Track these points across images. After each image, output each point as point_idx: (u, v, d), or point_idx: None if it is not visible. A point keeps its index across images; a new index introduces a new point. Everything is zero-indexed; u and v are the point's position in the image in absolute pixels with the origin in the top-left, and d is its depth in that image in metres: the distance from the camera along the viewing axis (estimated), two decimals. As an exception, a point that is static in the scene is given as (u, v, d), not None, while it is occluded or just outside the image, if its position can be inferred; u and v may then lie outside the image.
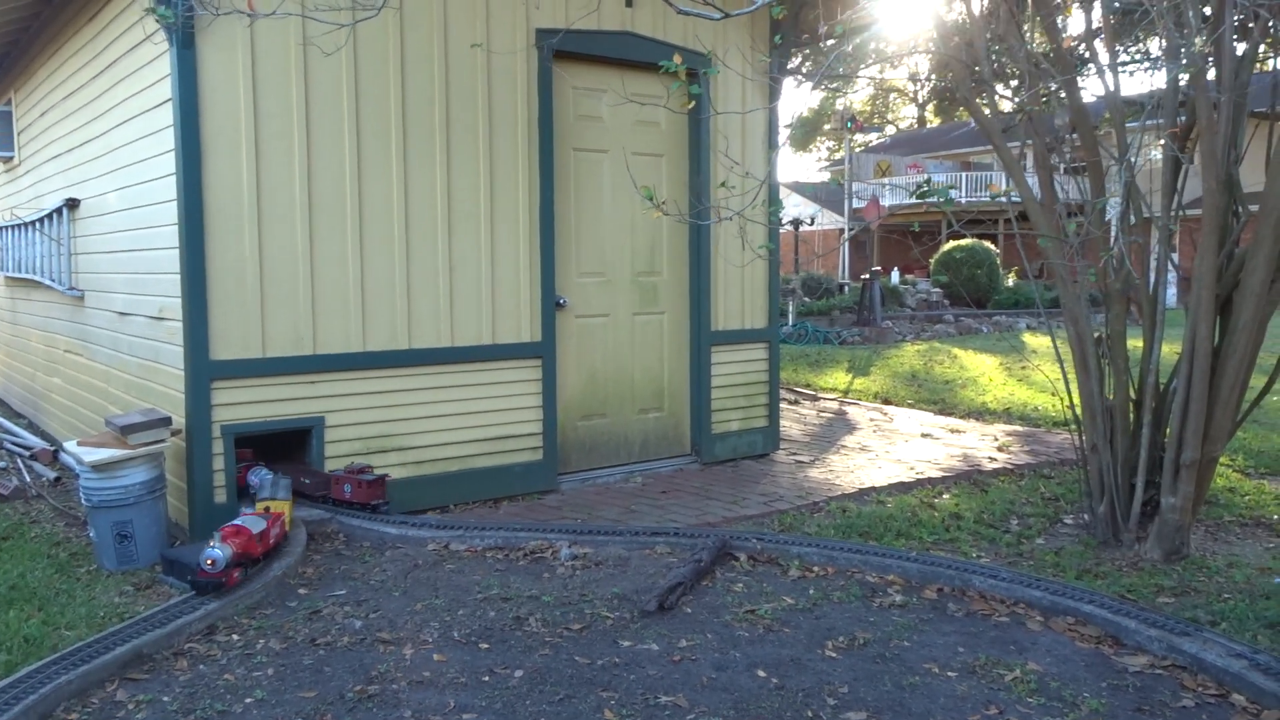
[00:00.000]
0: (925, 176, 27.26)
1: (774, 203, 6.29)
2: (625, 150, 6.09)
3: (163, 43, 4.70)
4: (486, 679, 3.04)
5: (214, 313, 4.70)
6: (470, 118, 5.38)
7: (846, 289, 17.85)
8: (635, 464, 6.22)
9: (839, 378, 10.81)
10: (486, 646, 3.29)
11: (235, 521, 3.92)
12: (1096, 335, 4.79)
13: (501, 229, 5.53)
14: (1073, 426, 5.12)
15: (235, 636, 3.39)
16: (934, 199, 4.12)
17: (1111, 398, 4.78)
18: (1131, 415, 4.79)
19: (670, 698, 2.91)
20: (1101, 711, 2.87)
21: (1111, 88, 4.64)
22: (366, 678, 3.04)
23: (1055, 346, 5.19)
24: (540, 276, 5.67)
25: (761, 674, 3.09)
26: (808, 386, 10.18)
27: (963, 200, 25.10)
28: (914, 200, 25.97)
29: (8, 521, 5.36)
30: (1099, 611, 3.52)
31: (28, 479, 6.34)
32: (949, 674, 3.11)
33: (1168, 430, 4.61)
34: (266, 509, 4.22)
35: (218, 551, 3.64)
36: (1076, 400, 4.98)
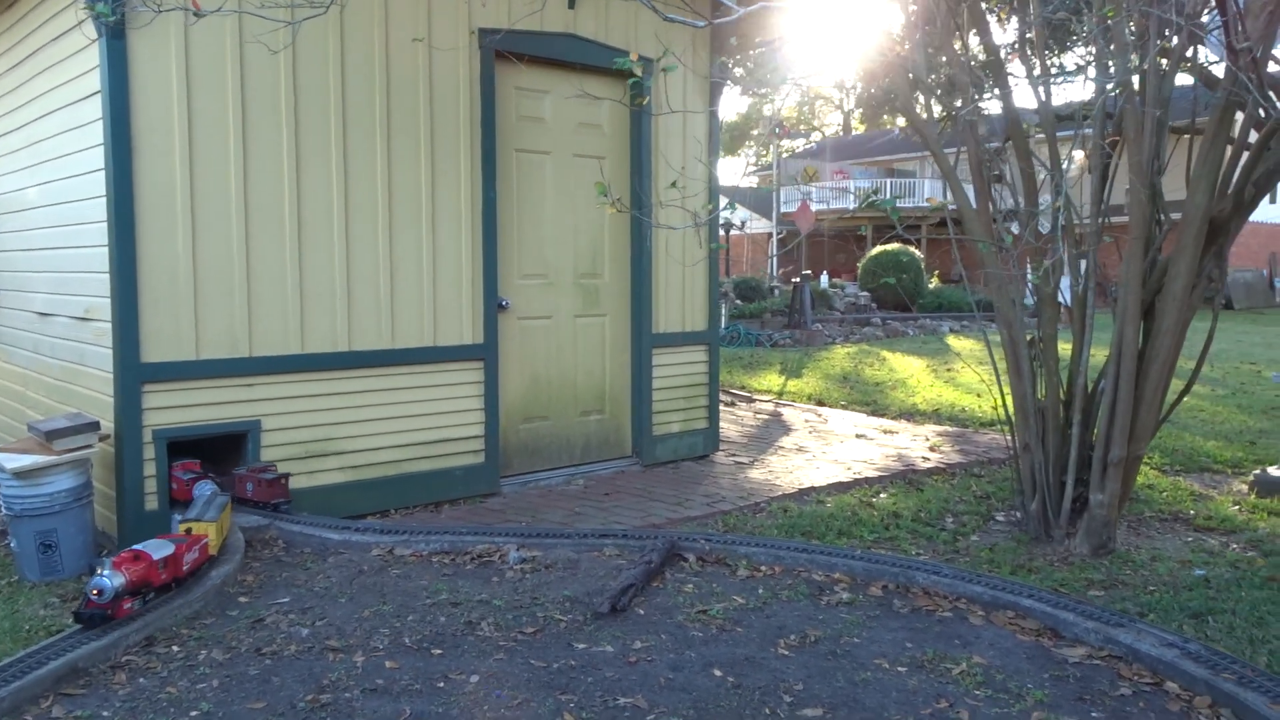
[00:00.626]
0: (849, 182, 27.77)
1: (715, 204, 6.35)
2: (568, 152, 6.08)
3: (91, 33, 4.53)
4: (441, 685, 3.00)
5: (145, 313, 4.55)
6: (412, 117, 5.31)
7: (777, 292, 18.08)
8: (577, 466, 6.20)
9: (773, 380, 10.95)
10: (439, 652, 3.25)
11: (136, 546, 3.59)
12: (1029, 338, 4.95)
13: (443, 230, 5.47)
14: (1004, 426, 5.27)
15: (175, 648, 3.28)
16: (884, 205, 4.20)
17: (1043, 398, 4.94)
18: (1062, 415, 4.96)
19: (629, 699, 2.91)
20: (1046, 701, 2.97)
21: (1043, 99, 4.81)
22: (318, 687, 2.97)
23: (990, 350, 5.34)
24: (483, 278, 5.62)
25: (718, 673, 3.11)
26: (743, 388, 10.28)
27: (885, 206, 25.58)
28: (840, 206, 26.42)
29: (-83, 532, 5.09)
30: (1038, 605, 3.64)
31: (-63, 487, 6.03)
32: (899, 669, 3.18)
33: (1095, 430, 4.79)
34: (188, 530, 3.94)
35: (106, 580, 3.32)
36: (1009, 401, 5.13)
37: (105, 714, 2.80)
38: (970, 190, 5.02)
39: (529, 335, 5.97)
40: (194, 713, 2.81)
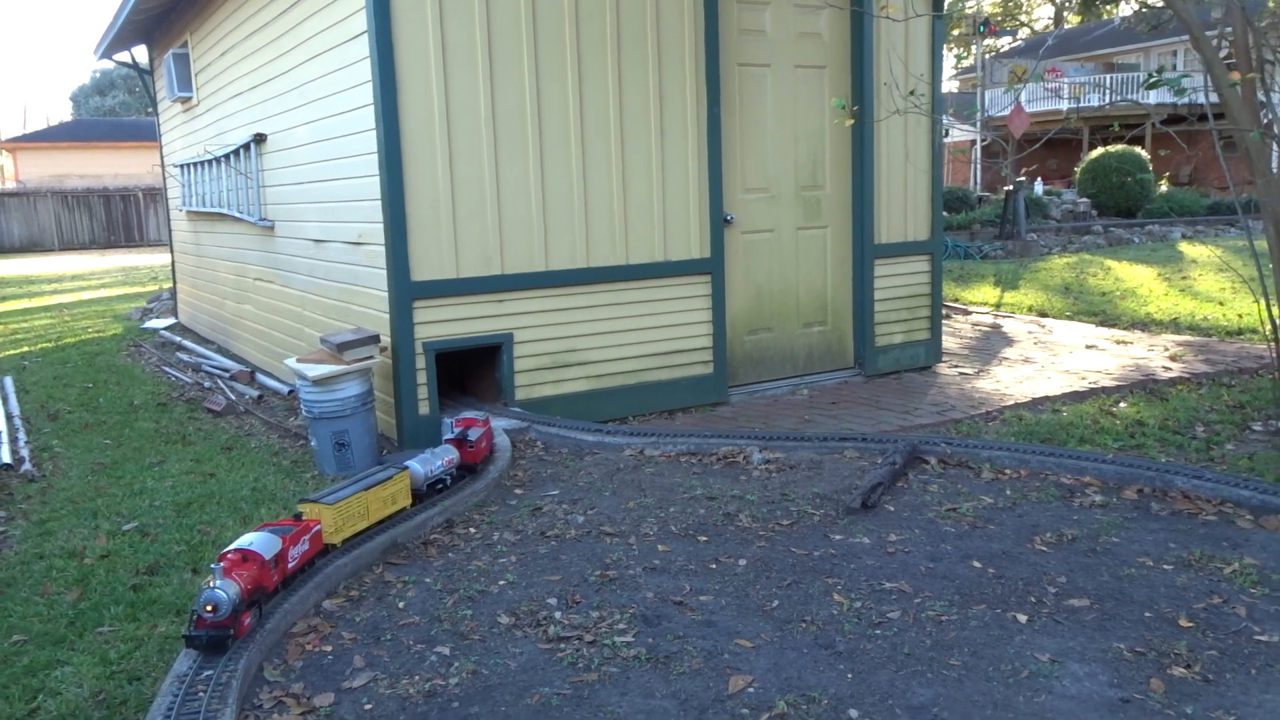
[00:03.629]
0: (1064, 80, 25.80)
1: (937, 110, 6.19)
2: (788, 63, 6.07)
3: (356, -23, 4.92)
4: (713, 566, 3.26)
5: (413, 237, 4.99)
6: (640, 35, 5.46)
7: (985, 202, 17.26)
8: (801, 377, 6.33)
9: (987, 292, 10.59)
10: (705, 539, 3.51)
11: (240, 544, 2.89)
12: (1302, 234, 4.61)
13: (671, 147, 5.63)
14: (1252, 335, 4.95)
15: (472, 530, 3.71)
16: (1171, 84, 4.00)
17: (1316, 299, 4.61)
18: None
19: (894, 584, 3.07)
20: (1331, 603, 2.89)
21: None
22: (602, 564, 3.30)
23: (1253, 247, 5.00)
24: (708, 194, 5.77)
25: (977, 564, 3.21)
26: (955, 301, 10.02)
27: (1107, 104, 23.72)
28: (1053, 108, 24.61)
29: (225, 435, 5.88)
30: (1315, 510, 3.49)
31: (232, 397, 6.91)
32: (1164, 567, 3.17)
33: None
34: (298, 516, 3.33)
35: (221, 593, 2.64)
36: (1275, 303, 4.82)
37: (428, 580, 3.24)
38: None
39: (752, 249, 6.09)
40: (501, 582, 3.20)
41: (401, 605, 3.05)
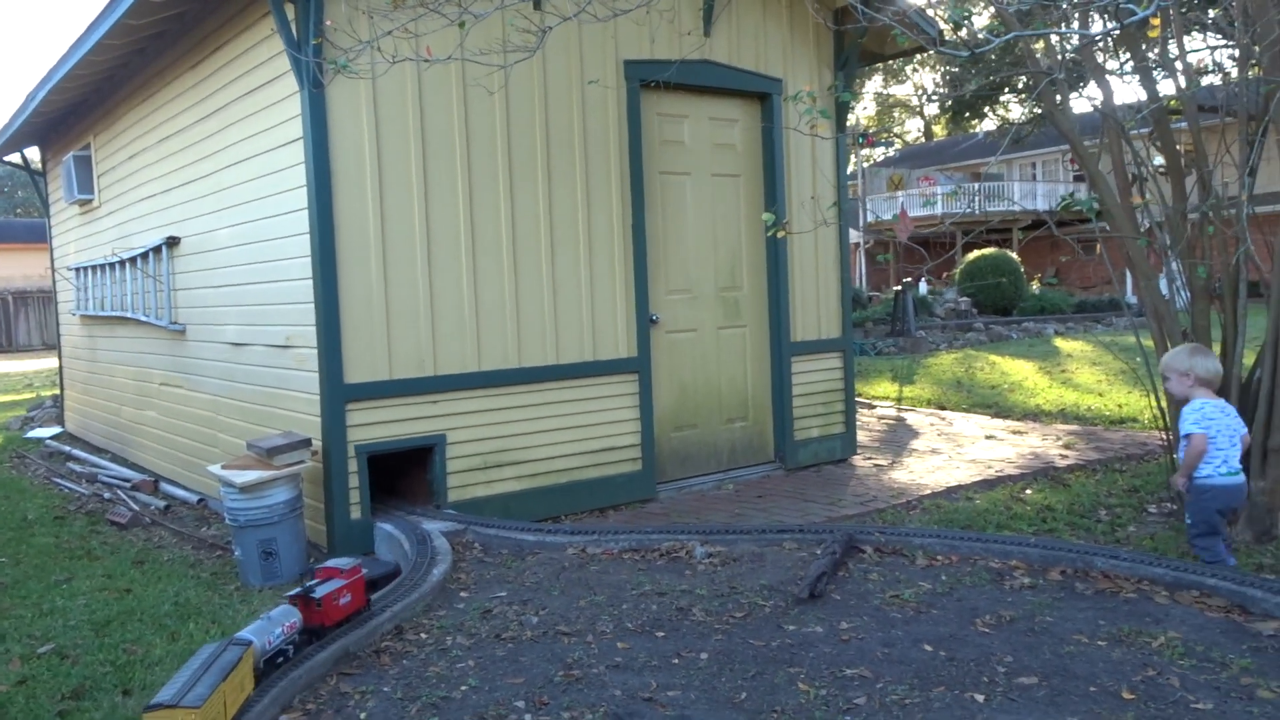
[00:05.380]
0: (935, 188, 27.54)
1: (843, 217, 6.58)
2: (706, 171, 6.39)
3: (291, 86, 5.00)
4: (676, 661, 3.28)
5: (346, 339, 4.98)
6: (567, 147, 5.68)
7: (875, 301, 18.13)
8: (725, 472, 6.47)
9: (887, 387, 11.06)
10: (662, 635, 3.53)
11: None
12: (1182, 330, 5.05)
13: (598, 250, 5.81)
14: (1134, 424, 5.36)
15: (423, 635, 3.63)
16: (1084, 206, 4.39)
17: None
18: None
19: (854, 670, 3.15)
20: (1251, 669, 3.11)
21: (1183, 86, 4.93)
22: (564, 664, 3.28)
23: (1139, 343, 5.44)
24: (634, 294, 5.95)
25: (928, 648, 3.33)
26: (860, 396, 10.42)
27: (975, 211, 25.41)
28: (928, 213, 26.21)
29: (134, 548, 5.61)
30: (1223, 584, 3.76)
31: (136, 508, 6.59)
32: (1099, 643, 3.35)
33: (1253, 419, 4.86)
34: None
35: None
36: (1162, 393, 5.22)
37: (386, 689, 3.15)
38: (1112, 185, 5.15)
39: (677, 348, 6.28)
40: (463, 687, 3.14)
41: (363, 716, 2.96)
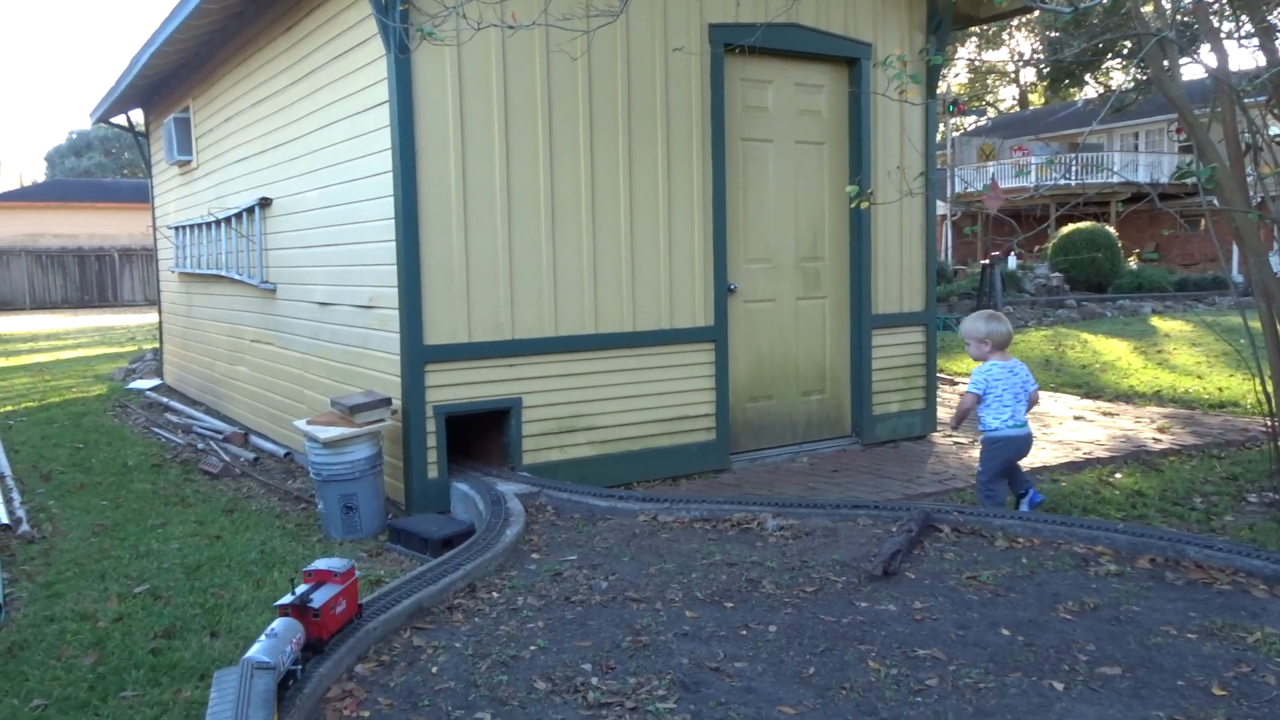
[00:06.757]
0: (1030, 158, 26.61)
1: (931, 188, 6.39)
2: (789, 139, 6.26)
3: (378, 50, 5.05)
4: (744, 633, 3.26)
5: (427, 301, 5.04)
6: (649, 113, 5.62)
7: (960, 275, 17.65)
8: (800, 445, 6.40)
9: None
10: (731, 605, 3.52)
11: None
12: (1293, 311, 4.78)
13: (678, 218, 5.76)
14: (1250, 404, 5.09)
15: (495, 594, 3.69)
16: (1196, 175, 4.18)
17: (1308, 374, 4.76)
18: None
19: (927, 651, 3.09)
20: (1354, 671, 2.95)
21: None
22: (632, 630, 3.29)
23: (1244, 324, 5.17)
24: (713, 263, 5.88)
25: (1005, 632, 3.24)
26: (942, 372, 10.18)
27: (1072, 182, 24.48)
28: (1021, 184, 25.38)
29: (225, 497, 5.82)
30: (1326, 580, 3.57)
31: (227, 459, 6.84)
32: (1188, 635, 3.22)
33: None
34: None
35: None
36: (1268, 377, 4.97)
37: (457, 645, 3.21)
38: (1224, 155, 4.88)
39: (754, 318, 6.20)
40: (532, 647, 3.18)
41: (435, 670, 3.02)
